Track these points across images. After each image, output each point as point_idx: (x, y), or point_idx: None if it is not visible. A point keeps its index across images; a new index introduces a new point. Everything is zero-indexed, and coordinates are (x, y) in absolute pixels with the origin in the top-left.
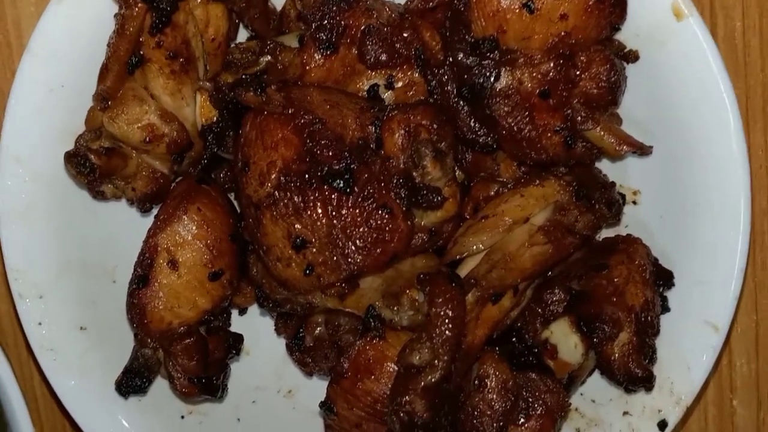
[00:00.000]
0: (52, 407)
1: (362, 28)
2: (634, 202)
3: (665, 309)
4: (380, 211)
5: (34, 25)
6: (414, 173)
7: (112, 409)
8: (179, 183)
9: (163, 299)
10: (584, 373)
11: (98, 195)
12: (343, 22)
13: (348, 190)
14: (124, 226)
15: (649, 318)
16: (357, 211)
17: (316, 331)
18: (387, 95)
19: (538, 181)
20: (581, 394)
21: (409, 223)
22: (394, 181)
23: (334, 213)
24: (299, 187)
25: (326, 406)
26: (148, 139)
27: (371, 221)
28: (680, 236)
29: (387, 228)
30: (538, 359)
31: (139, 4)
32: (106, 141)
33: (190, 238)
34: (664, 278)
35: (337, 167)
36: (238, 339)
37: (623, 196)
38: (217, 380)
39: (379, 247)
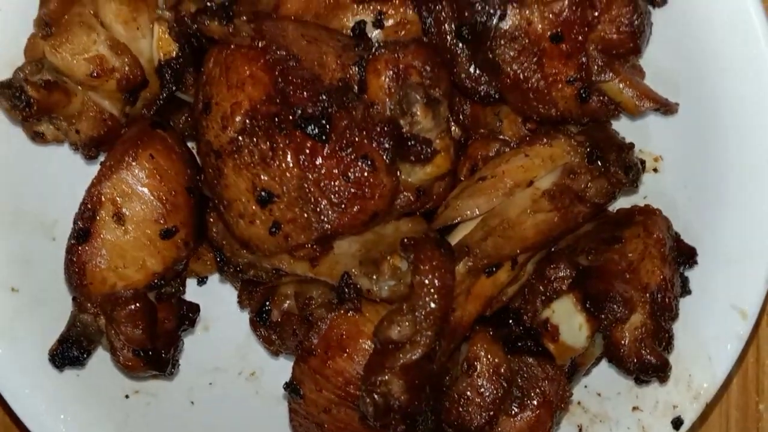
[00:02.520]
0: None
1: None
2: (655, 170)
3: (686, 291)
4: (360, 163)
5: None
6: (401, 121)
7: (45, 383)
8: (130, 126)
9: (106, 257)
10: (589, 361)
11: (36, 137)
12: None
13: (324, 137)
14: (66, 175)
15: (666, 299)
16: (333, 161)
17: (285, 305)
18: (375, 34)
19: (545, 140)
20: (585, 386)
21: (393, 178)
22: (378, 128)
23: (306, 163)
24: (267, 132)
25: (291, 388)
26: (95, 72)
27: (349, 174)
28: (706, 209)
29: (367, 182)
30: (536, 342)
31: None
32: (48, 74)
33: (139, 188)
34: (685, 255)
35: (312, 111)
36: (194, 308)
37: (643, 162)
38: (166, 354)
39: (357, 204)
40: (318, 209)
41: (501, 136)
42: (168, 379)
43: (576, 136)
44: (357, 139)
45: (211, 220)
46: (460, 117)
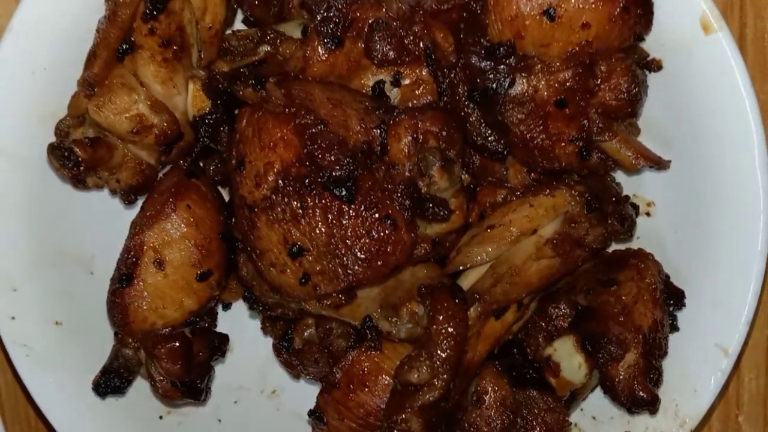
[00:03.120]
0: (17, 395)
1: (370, 21)
2: (648, 214)
3: (674, 328)
4: (383, 223)
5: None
6: (419, 182)
7: (88, 407)
8: (167, 175)
9: (147, 299)
10: (587, 391)
11: (80, 185)
12: (350, 15)
13: (350, 198)
14: (103, 214)
15: (657, 339)
16: (359, 221)
17: (306, 333)
18: (393, 92)
19: (548, 191)
20: (581, 410)
21: (412, 234)
22: (399, 190)
23: (334, 222)
24: (298, 191)
25: (316, 415)
26: (136, 130)
27: (373, 232)
28: (694, 253)
29: (389, 240)
30: (539, 376)
31: None
32: (90, 129)
33: (178, 236)
34: (674, 298)
35: (339, 173)
36: (224, 340)
37: (637, 207)
38: (200, 384)
39: (380, 259)
40: (345, 263)
41: (507, 184)
42: (200, 404)
43: (576, 186)
44: (380, 199)
45: (241, 261)
46: (471, 167)
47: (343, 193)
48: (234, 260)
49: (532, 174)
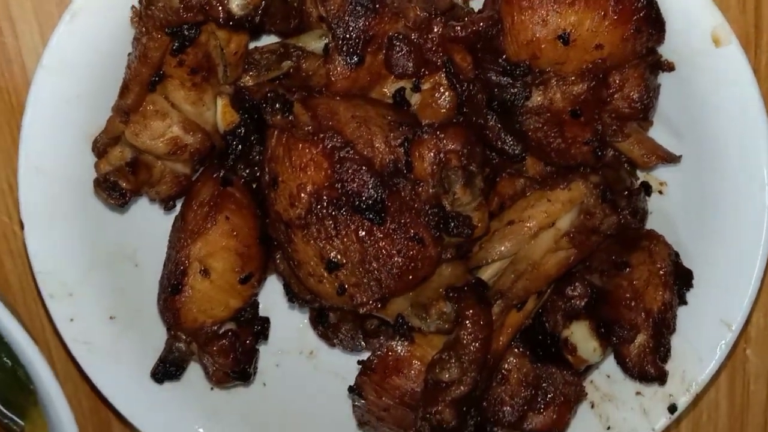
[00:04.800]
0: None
1: (389, 34)
2: (660, 192)
3: (683, 302)
4: (412, 241)
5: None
6: (443, 200)
7: (147, 389)
8: (203, 182)
9: (196, 303)
10: (601, 363)
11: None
12: (370, 32)
13: (380, 221)
14: (141, 209)
15: (666, 319)
16: (389, 240)
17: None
18: (414, 98)
19: (564, 183)
20: (597, 368)
21: (439, 249)
22: (425, 210)
23: (366, 241)
24: (331, 214)
25: (355, 392)
26: (172, 151)
27: (403, 251)
28: (702, 235)
29: (418, 257)
30: (558, 352)
31: (162, 36)
32: (126, 147)
33: (220, 248)
34: (683, 278)
35: (368, 199)
36: (266, 323)
37: (649, 186)
38: (249, 368)
39: (410, 274)
40: (378, 277)
41: (526, 174)
42: (248, 384)
43: (591, 177)
44: (408, 220)
45: (278, 259)
46: (491, 162)
47: (373, 216)
48: (272, 257)
49: (549, 166)
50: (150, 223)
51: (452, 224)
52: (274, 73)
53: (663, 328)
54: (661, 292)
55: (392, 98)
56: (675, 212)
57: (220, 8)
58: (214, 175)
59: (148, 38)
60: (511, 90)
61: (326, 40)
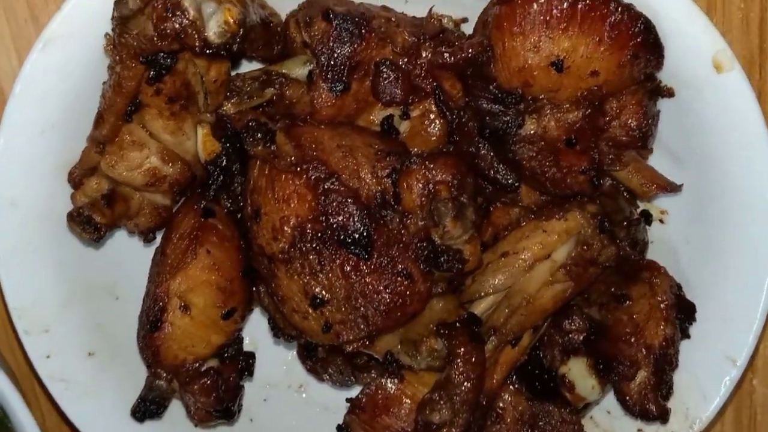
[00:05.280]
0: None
1: (376, 60)
2: (661, 221)
3: (685, 336)
4: (400, 277)
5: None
6: (433, 233)
7: (128, 428)
8: (183, 213)
9: (176, 340)
10: (600, 401)
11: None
12: (356, 58)
13: (366, 256)
14: (120, 242)
15: (667, 355)
16: (376, 276)
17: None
18: (403, 125)
19: (561, 213)
20: (597, 404)
21: (428, 284)
22: (414, 244)
23: (352, 277)
24: (315, 248)
25: (344, 431)
26: (150, 182)
27: (391, 287)
28: (705, 266)
29: (407, 293)
30: (555, 388)
31: (137, 65)
32: (103, 178)
33: (201, 282)
34: (685, 312)
35: (354, 233)
36: (251, 359)
37: (650, 215)
38: (233, 406)
39: (399, 310)
40: (365, 314)
41: (520, 203)
42: (232, 422)
43: (588, 206)
44: (396, 254)
45: (262, 293)
46: (484, 191)
47: (359, 251)
48: (256, 290)
49: (544, 195)
50: (131, 254)
51: (442, 258)
52: (256, 100)
53: (665, 364)
54: (662, 327)
55: (380, 126)
56: (677, 242)
57: (197, 36)
58: (195, 207)
59: (122, 67)
60: (503, 118)
61: (311, 67)
